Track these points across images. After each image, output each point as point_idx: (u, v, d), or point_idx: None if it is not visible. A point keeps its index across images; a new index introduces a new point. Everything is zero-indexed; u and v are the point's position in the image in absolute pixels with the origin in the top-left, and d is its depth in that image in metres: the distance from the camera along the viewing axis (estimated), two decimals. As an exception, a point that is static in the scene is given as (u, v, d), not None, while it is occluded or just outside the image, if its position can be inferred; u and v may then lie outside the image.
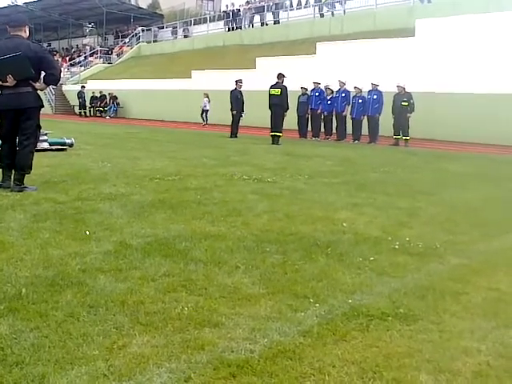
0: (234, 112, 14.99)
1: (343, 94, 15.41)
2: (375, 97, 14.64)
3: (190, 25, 33.53)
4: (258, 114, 15.66)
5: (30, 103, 5.43)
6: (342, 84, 15.36)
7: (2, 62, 5.13)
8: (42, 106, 5.66)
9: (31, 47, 5.37)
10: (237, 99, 14.99)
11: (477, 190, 6.72)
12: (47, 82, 5.62)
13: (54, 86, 31.55)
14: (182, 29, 33.42)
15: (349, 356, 2.15)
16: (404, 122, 14.06)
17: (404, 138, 14.16)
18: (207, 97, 21.75)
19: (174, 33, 34.22)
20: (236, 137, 14.81)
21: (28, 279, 2.85)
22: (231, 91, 15.21)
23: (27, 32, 5.46)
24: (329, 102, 15.62)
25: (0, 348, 2.10)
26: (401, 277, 3.18)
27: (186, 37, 32.49)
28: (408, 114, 14.00)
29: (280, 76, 13.45)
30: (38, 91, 5.56)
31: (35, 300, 2.57)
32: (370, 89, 14.75)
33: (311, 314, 2.56)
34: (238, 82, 15.13)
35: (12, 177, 5.46)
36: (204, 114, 22.23)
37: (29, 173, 5.53)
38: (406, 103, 13.96)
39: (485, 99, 14.52)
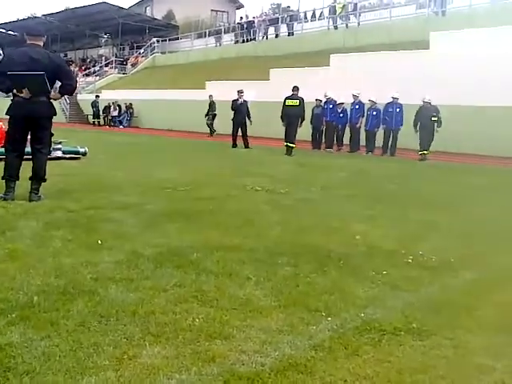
0: (243, 121, 14.98)
1: (357, 106, 15.40)
2: (398, 110, 14.50)
3: (205, 36, 33.71)
4: (271, 124, 15.68)
5: (44, 113, 5.41)
6: (356, 96, 15.35)
7: (22, 76, 5.16)
8: (55, 114, 5.62)
9: (51, 57, 5.41)
10: (238, 109, 14.99)
11: (493, 204, 6.62)
12: (63, 92, 5.65)
13: (68, 96, 31.95)
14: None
15: (360, 371, 2.12)
16: (430, 135, 13.64)
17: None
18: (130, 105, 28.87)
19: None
20: (248, 147, 14.82)
21: (40, 287, 2.86)
22: (233, 101, 15.15)
23: (42, 43, 5.45)
24: (341, 115, 15.61)
25: (11, 356, 2.10)
26: (414, 291, 3.14)
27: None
28: (436, 129, 13.59)
29: (295, 89, 13.51)
30: (52, 100, 5.53)
31: (47, 308, 2.58)
32: (391, 101, 14.59)
33: (323, 327, 2.53)
34: (239, 92, 15.18)
35: (14, 188, 5.36)
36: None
37: (45, 181, 5.56)
38: (436, 118, 13.51)
39: (499, 112, 14.40)
